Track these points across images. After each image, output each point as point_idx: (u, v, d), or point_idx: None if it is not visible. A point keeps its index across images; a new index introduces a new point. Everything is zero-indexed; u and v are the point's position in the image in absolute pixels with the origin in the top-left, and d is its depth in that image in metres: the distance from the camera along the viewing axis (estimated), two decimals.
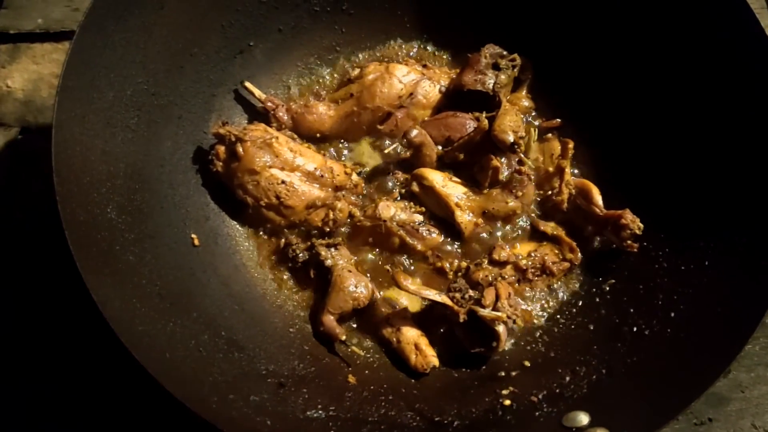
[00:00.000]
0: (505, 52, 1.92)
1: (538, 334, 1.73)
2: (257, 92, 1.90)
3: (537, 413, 1.47)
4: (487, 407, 1.52)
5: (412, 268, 1.82)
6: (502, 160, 1.82)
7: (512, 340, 1.72)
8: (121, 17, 1.58)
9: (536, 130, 1.80)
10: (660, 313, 1.55)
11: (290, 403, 1.46)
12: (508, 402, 1.53)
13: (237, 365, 1.51)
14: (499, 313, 1.59)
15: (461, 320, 1.63)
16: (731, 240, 1.53)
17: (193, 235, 1.72)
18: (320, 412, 1.46)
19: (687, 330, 1.47)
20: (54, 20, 2.21)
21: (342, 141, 1.95)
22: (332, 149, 1.95)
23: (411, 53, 2.04)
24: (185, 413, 1.29)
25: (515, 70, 1.92)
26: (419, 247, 1.81)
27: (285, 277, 1.82)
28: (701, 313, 1.48)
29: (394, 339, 1.70)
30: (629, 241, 1.71)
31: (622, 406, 1.41)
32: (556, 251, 1.80)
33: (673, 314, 1.53)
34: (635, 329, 1.57)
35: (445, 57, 2.05)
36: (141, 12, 1.62)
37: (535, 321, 1.76)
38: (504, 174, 1.82)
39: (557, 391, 1.52)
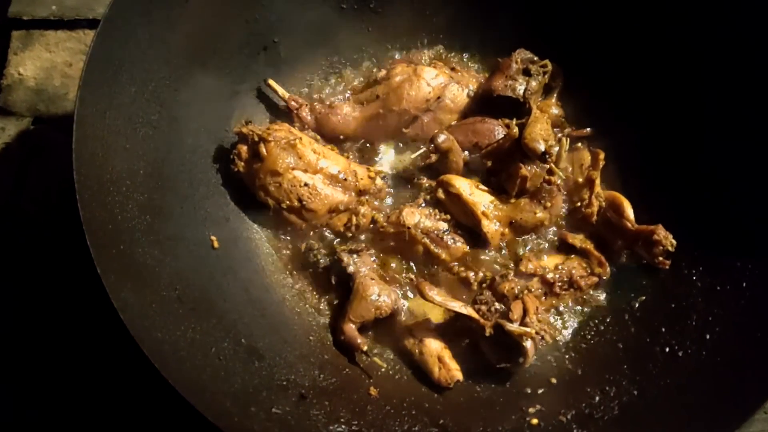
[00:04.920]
0: (536, 58, 1.87)
1: (564, 350, 1.69)
2: (281, 90, 1.85)
3: None
4: (514, 426, 1.48)
5: (435, 277, 1.77)
6: (531, 169, 1.77)
7: (538, 355, 1.67)
8: (145, 10, 1.54)
9: (567, 139, 1.74)
10: (694, 334, 1.51)
11: (312, 417, 1.42)
12: (535, 421, 1.49)
13: (257, 375, 1.47)
14: (527, 329, 1.54)
15: (487, 334, 1.58)
16: None
17: (213, 237, 1.67)
18: (343, 426, 1.42)
19: (724, 354, 1.43)
20: (68, 7, 2.17)
21: (366, 143, 1.90)
22: (355, 152, 1.89)
23: (439, 56, 1.98)
24: (205, 424, 1.24)
25: (546, 76, 1.87)
26: (443, 255, 1.76)
27: (305, 282, 1.76)
28: (739, 337, 1.44)
29: (417, 350, 1.66)
30: (661, 258, 1.67)
31: (656, 430, 1.37)
32: (584, 265, 1.75)
33: (708, 336, 1.48)
34: (668, 350, 1.53)
35: (473, 60, 2.00)
36: (165, 5, 1.58)
37: (562, 336, 1.71)
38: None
39: (587, 411, 1.48)
